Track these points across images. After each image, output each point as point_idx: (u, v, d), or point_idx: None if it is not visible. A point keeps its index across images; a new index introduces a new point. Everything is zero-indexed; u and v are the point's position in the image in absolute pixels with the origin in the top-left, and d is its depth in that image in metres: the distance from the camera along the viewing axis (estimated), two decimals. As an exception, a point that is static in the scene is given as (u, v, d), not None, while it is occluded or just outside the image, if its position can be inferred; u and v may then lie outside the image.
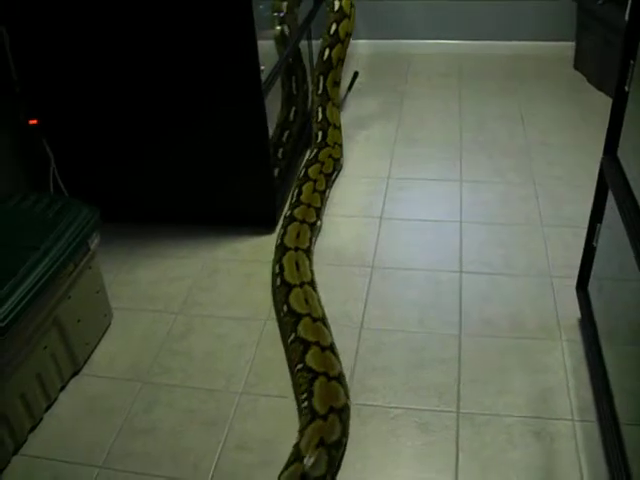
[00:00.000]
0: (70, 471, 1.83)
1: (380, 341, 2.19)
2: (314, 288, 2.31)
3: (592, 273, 2.09)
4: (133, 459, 1.85)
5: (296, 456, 1.73)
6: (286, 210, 2.73)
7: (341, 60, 3.17)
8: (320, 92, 3.16)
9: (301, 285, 2.27)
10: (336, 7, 3.09)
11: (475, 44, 4.31)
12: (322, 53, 3.13)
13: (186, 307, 2.37)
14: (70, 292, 2.02)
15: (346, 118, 3.49)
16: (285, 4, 2.96)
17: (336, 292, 2.38)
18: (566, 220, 2.70)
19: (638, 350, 1.63)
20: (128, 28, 2.33)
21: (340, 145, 3.12)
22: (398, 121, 3.56)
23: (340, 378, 1.97)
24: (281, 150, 2.99)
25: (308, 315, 2.15)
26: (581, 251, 2.14)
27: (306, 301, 2.20)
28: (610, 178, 1.83)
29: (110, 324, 2.30)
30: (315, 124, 3.15)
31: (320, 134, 3.10)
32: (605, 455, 1.78)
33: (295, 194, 2.75)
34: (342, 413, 1.86)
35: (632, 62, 1.70)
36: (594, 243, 2.03)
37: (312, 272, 2.40)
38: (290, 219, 2.59)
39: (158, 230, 2.73)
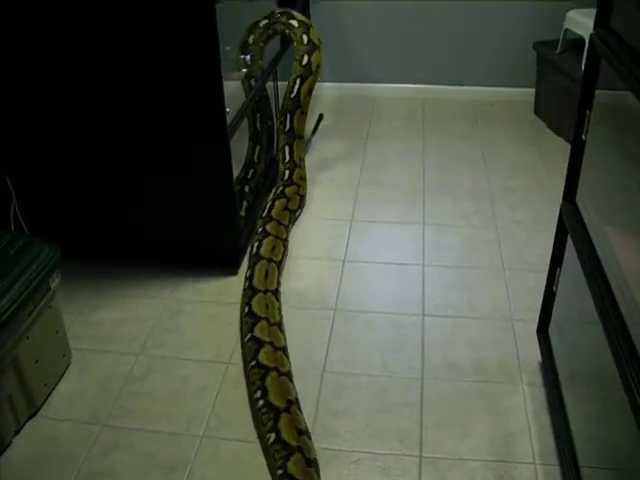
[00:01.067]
0: (24, 518, 1.79)
1: (342, 385, 2.18)
2: (277, 297, 2.45)
3: (552, 317, 2.11)
4: (90, 505, 1.81)
5: (288, 450, 1.84)
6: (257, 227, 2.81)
7: (310, 92, 3.19)
8: (287, 130, 3.18)
9: (265, 292, 2.40)
10: (305, 40, 3.13)
11: (439, 88, 4.39)
12: (291, 88, 3.14)
13: (148, 348, 2.35)
14: (29, 332, 1.99)
15: (310, 160, 3.52)
16: (251, 46, 2.99)
17: (298, 335, 2.37)
18: (528, 264, 2.73)
19: (597, 394, 1.65)
20: (91, 65, 2.33)
21: (304, 180, 3.18)
22: (362, 163, 3.59)
23: (290, 375, 2.12)
24: (247, 187, 3.01)
25: (266, 319, 2.27)
26: (542, 294, 2.16)
27: (266, 306, 2.34)
28: (569, 224, 1.87)
29: (70, 365, 2.26)
30: (282, 164, 3.18)
31: (287, 173, 3.14)
32: (566, 499, 1.79)
33: (266, 211, 2.87)
34: (297, 403, 2.03)
35: (588, 112, 1.75)
36: (554, 288, 2.06)
37: (279, 283, 2.55)
38: (264, 234, 2.70)
39: (121, 270, 2.70)
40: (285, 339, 2.27)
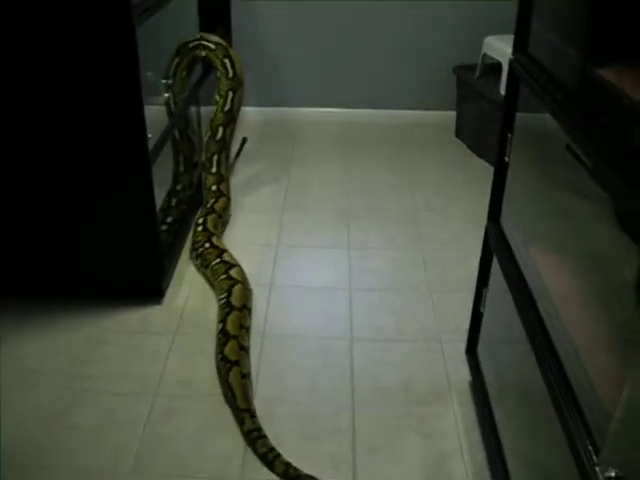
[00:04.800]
0: None
1: (271, 412, 2.14)
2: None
3: (480, 336, 2.13)
4: None
5: (227, 337, 2.31)
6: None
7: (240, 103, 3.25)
8: (218, 139, 3.18)
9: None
10: (230, 74, 3.14)
11: (362, 112, 4.43)
12: (224, 101, 3.16)
13: (72, 381, 2.26)
14: (-58, 371, 1.90)
15: (234, 184, 3.49)
16: (174, 71, 2.96)
17: (228, 362, 2.33)
18: (454, 284, 2.76)
19: (526, 411, 1.66)
20: (7, 91, 2.27)
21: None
22: (287, 188, 3.58)
23: (251, 291, 2.63)
24: (175, 200, 3.03)
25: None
26: (469, 315, 2.18)
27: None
28: (494, 244, 1.90)
29: (-12, 403, 2.17)
30: (210, 175, 3.19)
31: (215, 187, 3.16)
32: (499, 519, 1.79)
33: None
34: (250, 310, 2.53)
35: (510, 135, 1.79)
36: (481, 308, 2.08)
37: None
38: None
39: (41, 302, 2.60)
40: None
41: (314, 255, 3.01)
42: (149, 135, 2.36)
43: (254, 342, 2.44)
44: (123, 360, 2.36)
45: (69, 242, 2.54)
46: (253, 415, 2.07)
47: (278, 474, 1.92)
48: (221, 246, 2.87)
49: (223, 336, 2.32)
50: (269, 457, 1.95)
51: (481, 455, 1.99)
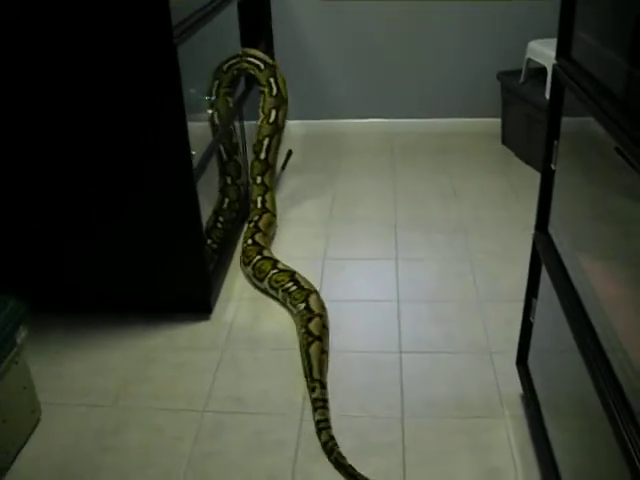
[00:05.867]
0: None
1: (322, 427, 2.13)
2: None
3: (531, 347, 2.09)
4: None
5: (311, 314, 2.50)
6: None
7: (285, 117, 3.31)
8: (263, 157, 3.22)
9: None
10: (262, 66, 3.20)
11: (406, 122, 4.41)
12: (268, 115, 3.22)
13: (119, 399, 2.28)
14: (-5, 390, 1.93)
15: (280, 197, 3.50)
16: (218, 87, 2.98)
17: (276, 378, 2.33)
18: (502, 295, 2.71)
19: (580, 423, 1.62)
20: (54, 111, 2.31)
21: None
22: (332, 200, 3.58)
23: None
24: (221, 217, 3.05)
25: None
26: (519, 325, 2.14)
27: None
28: (543, 254, 1.85)
29: (39, 420, 2.19)
30: (257, 162, 3.23)
31: (259, 199, 3.19)
32: (555, 535, 1.74)
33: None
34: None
35: (556, 142, 1.75)
36: (531, 318, 2.04)
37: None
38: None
39: (90, 319, 2.64)
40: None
41: (361, 267, 2.99)
42: (193, 152, 2.38)
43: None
44: (171, 377, 2.37)
45: (117, 259, 2.56)
46: (324, 387, 2.25)
47: (320, 441, 2.07)
48: (262, 243, 2.94)
49: (308, 312, 2.51)
50: (320, 425, 2.11)
51: (534, 470, 1.94)
